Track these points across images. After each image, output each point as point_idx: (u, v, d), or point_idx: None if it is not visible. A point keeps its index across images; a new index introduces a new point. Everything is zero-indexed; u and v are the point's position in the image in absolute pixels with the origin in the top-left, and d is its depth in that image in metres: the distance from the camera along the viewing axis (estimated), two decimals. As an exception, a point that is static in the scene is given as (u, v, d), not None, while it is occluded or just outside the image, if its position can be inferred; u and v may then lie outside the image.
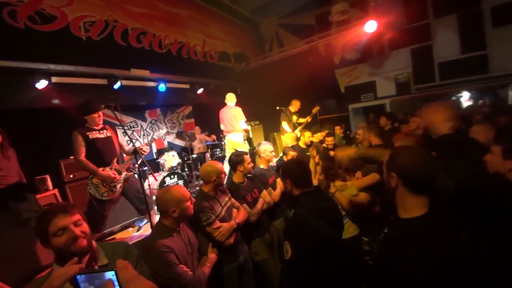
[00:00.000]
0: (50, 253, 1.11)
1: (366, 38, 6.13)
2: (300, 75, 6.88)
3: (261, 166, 3.06)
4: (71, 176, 3.51)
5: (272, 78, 7.13)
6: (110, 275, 0.65)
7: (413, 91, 6.68)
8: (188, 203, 1.73)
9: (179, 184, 4.45)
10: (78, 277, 0.68)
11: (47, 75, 3.59)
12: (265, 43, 8.70)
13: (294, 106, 5.38)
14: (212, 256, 1.92)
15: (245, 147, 4.76)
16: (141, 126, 5.61)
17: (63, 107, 3.71)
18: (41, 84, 3.52)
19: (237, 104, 4.84)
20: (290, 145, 4.18)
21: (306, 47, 6.56)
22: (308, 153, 4.33)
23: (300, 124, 5.34)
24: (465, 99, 6.60)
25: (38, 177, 3.02)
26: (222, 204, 2.25)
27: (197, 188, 4.72)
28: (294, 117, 5.34)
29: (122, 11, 4.63)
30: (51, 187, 3.05)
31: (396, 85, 6.92)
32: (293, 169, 1.74)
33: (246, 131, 4.81)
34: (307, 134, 4.40)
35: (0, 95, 3.32)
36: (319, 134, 5.03)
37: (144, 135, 5.58)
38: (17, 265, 2.19)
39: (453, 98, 6.60)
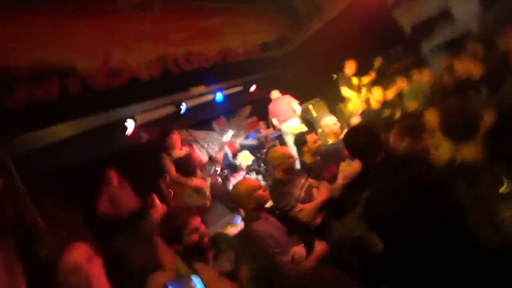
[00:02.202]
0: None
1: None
2: (351, 31, 6.17)
3: (330, 141, 2.92)
4: (171, 191, 4.14)
5: (321, 48, 6.65)
6: (195, 279, 0.72)
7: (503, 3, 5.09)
8: (259, 192, 1.77)
9: (259, 181, 4.66)
10: (169, 285, 0.78)
11: (132, 117, 4.33)
12: (303, 17, 8.19)
13: (349, 68, 4.87)
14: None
15: (302, 129, 4.69)
16: (213, 136, 6.14)
17: (149, 140, 4.41)
18: (130, 126, 4.27)
19: (292, 89, 4.81)
20: (357, 114, 3.80)
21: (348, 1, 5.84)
22: (386, 114, 3.87)
23: (364, 85, 4.82)
24: None
25: (148, 197, 3.69)
26: (300, 186, 2.23)
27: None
28: (355, 80, 4.84)
29: (168, 42, 5.16)
30: (159, 203, 3.68)
31: (479, 2, 5.40)
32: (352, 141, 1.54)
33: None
34: (375, 94, 3.92)
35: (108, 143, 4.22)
36: (393, 88, 4.40)
37: (218, 143, 6.08)
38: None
39: None
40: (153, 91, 4.71)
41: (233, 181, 4.17)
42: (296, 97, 5.24)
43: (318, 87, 6.69)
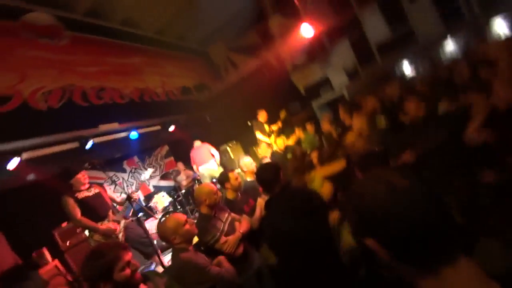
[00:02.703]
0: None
1: (307, 41, 6.75)
2: (261, 88, 7.31)
3: (248, 179, 3.26)
4: (68, 243, 3.42)
5: (236, 98, 7.47)
6: None
7: (362, 75, 7.36)
8: (186, 227, 1.81)
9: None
10: None
11: (16, 153, 3.56)
12: (220, 68, 9.12)
13: (262, 116, 5.71)
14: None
15: (218, 171, 5.10)
16: (123, 178, 5.57)
17: (40, 180, 3.67)
18: (13, 163, 3.48)
19: (210, 131, 5.20)
20: (267, 156, 4.41)
21: (258, 63, 7.04)
22: (289, 157, 4.63)
23: (273, 131, 5.66)
24: (406, 70, 7.37)
25: (35, 253, 2.94)
26: (223, 220, 2.39)
27: (194, 221, 4.78)
28: (266, 127, 5.65)
29: (76, 74, 4.75)
30: (50, 260, 2.97)
31: (346, 74, 7.57)
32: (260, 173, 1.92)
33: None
34: (279, 141, 4.70)
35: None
36: (293, 137, 5.36)
37: (127, 186, 5.54)
38: None
39: (395, 71, 7.35)
40: (52, 124, 4.09)
41: (149, 224, 3.85)
42: (214, 139, 5.61)
43: (234, 132, 7.30)
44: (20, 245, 2.53)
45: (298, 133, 5.77)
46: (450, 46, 6.73)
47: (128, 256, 1.26)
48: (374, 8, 7.05)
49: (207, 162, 5.19)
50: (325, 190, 2.45)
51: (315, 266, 1.44)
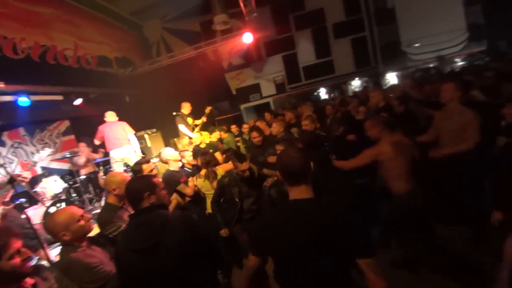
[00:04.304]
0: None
1: (246, 46, 7.00)
2: (193, 79, 7.12)
3: (171, 168, 3.20)
4: None
5: (164, 83, 7.00)
6: None
7: (288, 90, 8.17)
8: (81, 223, 1.62)
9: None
10: None
11: None
12: (151, 47, 8.38)
13: (185, 108, 5.56)
14: None
15: (137, 159, 4.67)
16: (0, 153, 4.43)
17: None
18: None
19: (127, 112, 4.68)
20: (189, 149, 4.36)
21: (195, 53, 6.83)
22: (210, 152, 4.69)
23: (196, 125, 5.61)
24: (323, 93, 8.61)
25: None
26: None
27: (93, 212, 4.21)
28: (190, 120, 5.55)
29: None
30: None
31: (275, 85, 8.24)
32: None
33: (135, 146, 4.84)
34: (206, 134, 4.74)
35: None
36: (216, 133, 5.46)
37: (5, 163, 4.41)
38: None
39: (315, 93, 8.49)
40: None
41: (32, 212, 3.18)
42: (131, 123, 5.05)
43: (156, 119, 6.83)
44: None
45: (222, 132, 5.93)
46: (356, 82, 8.26)
47: (18, 243, 1.14)
48: (308, 34, 7.96)
49: (121, 146, 4.61)
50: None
51: None
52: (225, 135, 5.83)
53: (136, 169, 2.84)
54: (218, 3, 5.56)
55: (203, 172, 3.03)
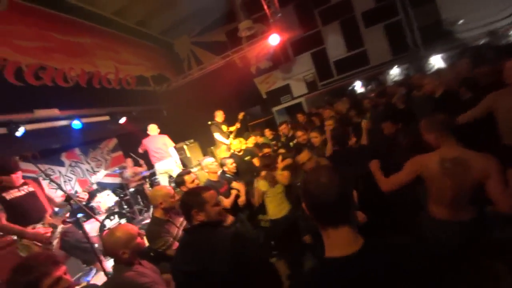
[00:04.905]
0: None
1: (273, 48, 6.93)
2: (223, 87, 7.23)
3: (211, 179, 3.22)
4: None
5: (197, 94, 7.26)
6: None
7: (319, 88, 7.86)
8: (138, 240, 1.64)
9: (122, 223, 4.13)
10: None
11: None
12: (183, 61, 8.77)
13: (219, 116, 5.65)
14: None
15: (178, 170, 4.84)
16: (60, 172, 4.93)
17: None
18: None
19: (166, 126, 4.88)
20: (226, 157, 4.38)
21: (223, 62, 6.96)
22: (246, 159, 4.67)
23: (231, 132, 5.65)
24: (358, 87, 8.12)
25: None
26: (178, 225, 2.30)
27: (143, 223, 4.47)
28: (224, 127, 5.61)
29: (11, 47, 4.04)
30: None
31: (306, 84, 7.99)
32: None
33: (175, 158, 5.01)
34: (237, 142, 4.72)
35: None
36: (251, 139, 5.43)
37: (65, 181, 4.91)
38: None
39: (349, 88, 8.04)
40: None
41: (89, 227, 3.46)
42: (170, 135, 5.30)
43: (192, 130, 7.07)
44: None
45: (257, 137, 5.90)
46: (394, 70, 7.64)
47: (60, 271, 1.15)
48: (336, 28, 7.61)
49: (164, 159, 4.84)
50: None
51: None
52: (260, 139, 5.78)
53: (178, 181, 2.89)
54: (241, 10, 5.61)
55: (263, 173, 2.95)
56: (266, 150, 4.55)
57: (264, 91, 8.43)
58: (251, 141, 5.45)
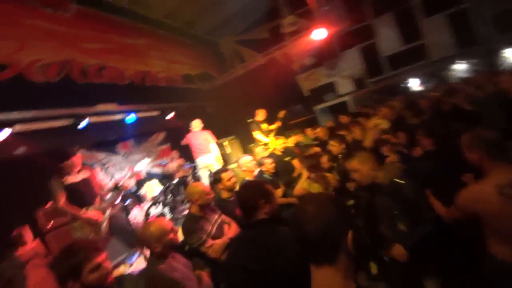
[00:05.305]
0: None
1: (317, 44, 6.63)
2: (265, 85, 7.20)
3: (247, 178, 3.19)
4: (50, 224, 3.33)
5: (239, 92, 7.37)
6: None
7: (368, 85, 7.29)
8: (171, 236, 1.70)
9: (165, 213, 4.40)
10: None
11: (8, 124, 3.44)
12: (227, 60, 8.97)
13: (260, 115, 5.62)
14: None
15: (218, 166, 4.94)
16: (115, 161, 5.47)
17: (30, 155, 3.56)
18: (3, 134, 3.36)
19: (209, 122, 5.02)
20: (265, 156, 4.33)
21: (265, 59, 6.91)
22: (286, 159, 4.57)
23: (271, 131, 5.58)
24: (414, 85, 7.31)
25: (15, 231, 2.86)
26: (213, 222, 2.33)
27: (184, 213, 4.71)
28: (264, 126, 5.56)
29: (77, 49, 4.58)
30: (31, 240, 2.89)
31: (352, 81, 7.50)
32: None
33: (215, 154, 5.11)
34: (278, 142, 4.61)
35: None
36: (292, 138, 5.29)
37: (119, 169, 5.44)
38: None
39: (402, 85, 7.29)
40: (47, 98, 3.96)
41: (135, 212, 3.78)
42: (213, 132, 5.48)
43: (234, 127, 7.21)
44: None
45: (298, 136, 5.74)
46: (460, 67, 6.69)
47: (100, 258, 1.22)
48: (390, 19, 6.95)
49: (205, 154, 5.03)
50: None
51: None
52: (301, 139, 5.62)
53: (215, 178, 2.92)
54: (284, 5, 5.47)
55: (306, 174, 2.82)
56: (315, 150, 4.36)
57: (307, 89, 8.16)
58: (292, 141, 5.32)
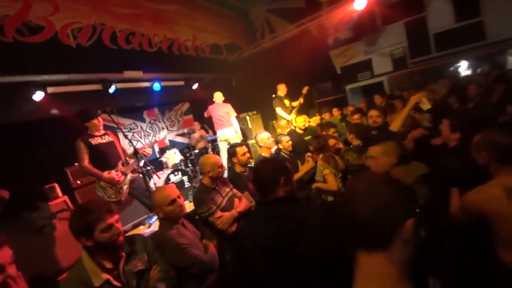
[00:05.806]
0: (69, 255, 1.25)
1: (357, 15, 6.02)
2: (295, 59, 6.82)
3: (263, 154, 3.15)
4: (79, 182, 3.63)
5: (267, 65, 7.07)
6: None
7: (410, 66, 6.59)
8: (170, 207, 1.73)
9: (184, 181, 4.56)
10: None
11: (42, 86, 3.65)
12: (257, 30, 8.57)
13: (281, 90, 5.38)
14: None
15: (237, 140, 4.89)
16: (141, 127, 5.68)
17: (62, 116, 3.80)
18: (38, 95, 3.59)
19: (233, 95, 4.92)
20: (285, 132, 4.20)
21: (298, 31, 6.46)
22: (307, 138, 4.39)
23: (294, 107, 5.36)
24: (463, 68, 6.48)
25: (47, 186, 3.15)
26: (223, 195, 2.34)
27: (202, 182, 4.88)
28: (287, 101, 5.35)
29: (108, 13, 4.62)
30: (60, 195, 3.18)
31: (392, 61, 6.82)
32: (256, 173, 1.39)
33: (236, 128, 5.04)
34: (300, 119, 4.41)
35: (-1, 110, 3.42)
36: (315, 118, 5.05)
37: (144, 135, 5.66)
38: (38, 270, 2.32)
39: (451, 68, 6.49)
40: (79, 62, 4.11)
41: (156, 179, 3.96)
42: (235, 105, 5.38)
43: (258, 101, 7.04)
44: (34, 175, 2.69)
45: (325, 115, 5.48)
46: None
47: (112, 219, 1.26)
48: (445, -11, 6.03)
49: (225, 127, 5.01)
50: None
51: None
52: (327, 118, 5.35)
53: (230, 151, 2.90)
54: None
55: (320, 156, 2.76)
56: (331, 131, 4.16)
57: (339, 66, 7.61)
58: (315, 121, 5.08)
